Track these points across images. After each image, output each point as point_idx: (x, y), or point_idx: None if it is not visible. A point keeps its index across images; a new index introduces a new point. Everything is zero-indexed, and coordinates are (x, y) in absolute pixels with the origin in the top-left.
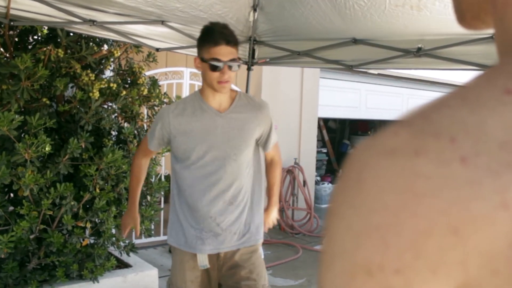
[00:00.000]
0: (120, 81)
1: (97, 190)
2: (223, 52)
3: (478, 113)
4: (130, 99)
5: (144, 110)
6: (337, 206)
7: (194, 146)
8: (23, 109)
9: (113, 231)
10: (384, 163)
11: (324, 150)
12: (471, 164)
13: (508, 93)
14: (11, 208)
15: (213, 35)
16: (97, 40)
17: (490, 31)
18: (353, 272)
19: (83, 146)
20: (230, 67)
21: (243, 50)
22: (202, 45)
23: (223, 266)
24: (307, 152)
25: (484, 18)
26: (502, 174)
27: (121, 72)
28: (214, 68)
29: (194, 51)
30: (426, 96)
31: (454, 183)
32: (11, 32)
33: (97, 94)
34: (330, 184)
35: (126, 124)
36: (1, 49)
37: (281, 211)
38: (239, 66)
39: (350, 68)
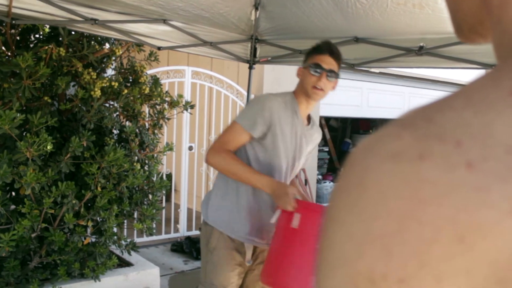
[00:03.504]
0: (121, 80)
1: (99, 189)
2: (325, 60)
3: (483, 115)
4: (131, 98)
5: (145, 109)
6: (336, 211)
7: (279, 145)
8: (24, 108)
9: (115, 229)
10: (387, 168)
11: (326, 149)
12: (478, 169)
13: None
14: (13, 206)
15: (320, 45)
16: (99, 38)
17: None
18: (355, 282)
19: (85, 145)
20: (328, 76)
21: (245, 49)
22: (308, 55)
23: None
24: None
25: (480, 30)
26: (510, 180)
27: (122, 70)
28: (314, 72)
29: (196, 50)
30: (428, 95)
31: (461, 189)
32: (12, 31)
33: (98, 92)
34: (331, 183)
35: (127, 123)
36: (3, 48)
37: None
38: (336, 79)
39: (352, 66)
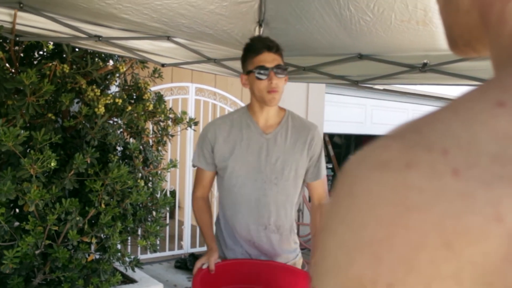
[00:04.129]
0: (125, 97)
1: (103, 206)
2: (267, 59)
3: (470, 126)
4: (135, 115)
5: (149, 126)
6: (329, 221)
7: (234, 165)
8: (28, 125)
9: (119, 246)
10: (375, 177)
11: (330, 166)
12: (464, 176)
13: (500, 106)
14: (17, 223)
15: (254, 45)
16: (103, 55)
17: None
18: None
19: (89, 162)
20: (276, 74)
21: None
22: (246, 59)
23: None
24: None
25: (475, 46)
26: (495, 186)
27: (126, 87)
28: (261, 77)
29: (199, 67)
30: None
31: (447, 195)
32: (16, 48)
33: (102, 109)
34: None
35: (131, 140)
36: (7, 65)
37: None
38: (286, 73)
39: (355, 83)
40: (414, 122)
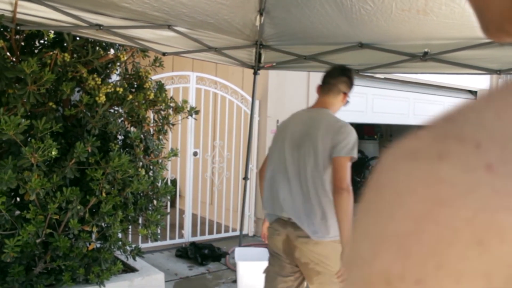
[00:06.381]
0: (126, 86)
1: (104, 194)
2: None
3: (503, 118)
4: (136, 104)
5: (150, 115)
6: (357, 212)
7: None
8: (29, 113)
9: (119, 235)
10: (405, 167)
11: None
12: (498, 172)
13: None
14: (18, 212)
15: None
16: (104, 44)
17: None
18: (372, 282)
19: (90, 150)
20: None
21: (249, 54)
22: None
23: None
24: None
25: (508, 29)
26: None
27: (127, 76)
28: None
29: (200, 55)
30: (432, 100)
31: (480, 191)
32: (17, 37)
33: (103, 98)
34: None
35: (132, 128)
36: (8, 54)
37: None
38: None
39: (356, 72)
40: (447, 112)
